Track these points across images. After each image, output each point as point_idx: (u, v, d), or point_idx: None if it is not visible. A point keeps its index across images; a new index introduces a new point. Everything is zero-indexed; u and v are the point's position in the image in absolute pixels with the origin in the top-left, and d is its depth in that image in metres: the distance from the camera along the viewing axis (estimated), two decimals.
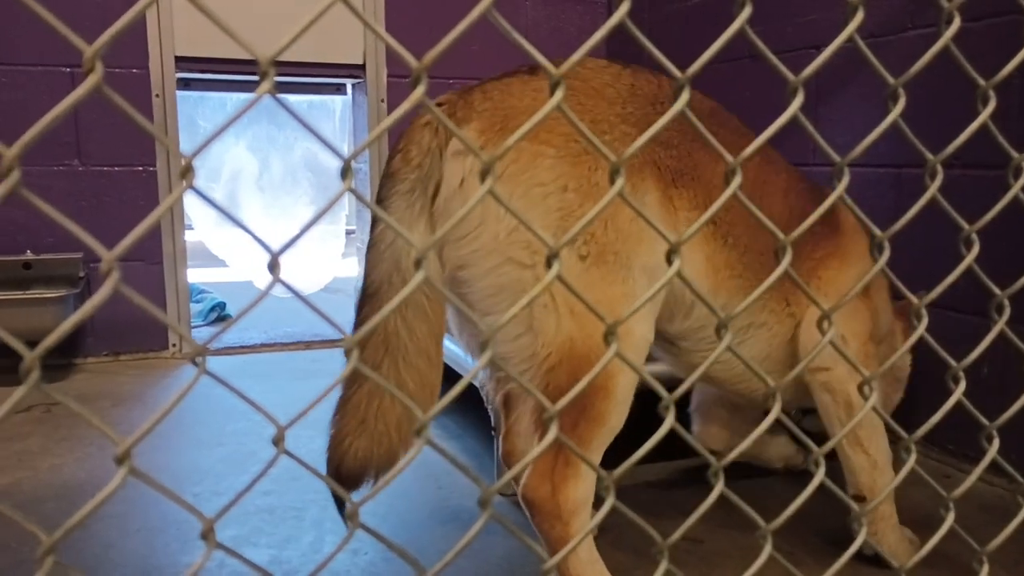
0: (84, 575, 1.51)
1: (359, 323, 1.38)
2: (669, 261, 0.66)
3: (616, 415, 1.33)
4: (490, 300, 1.32)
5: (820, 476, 0.82)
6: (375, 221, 1.42)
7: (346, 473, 1.36)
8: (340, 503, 1.31)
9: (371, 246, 1.38)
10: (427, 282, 1.20)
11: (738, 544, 1.60)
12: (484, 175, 0.54)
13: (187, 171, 0.45)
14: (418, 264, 0.63)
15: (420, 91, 0.51)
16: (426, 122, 1.37)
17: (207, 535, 0.52)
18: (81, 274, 2.92)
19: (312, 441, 2.23)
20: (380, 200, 1.38)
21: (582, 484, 1.32)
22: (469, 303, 1.33)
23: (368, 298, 1.37)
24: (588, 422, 1.31)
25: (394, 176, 1.36)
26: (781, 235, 0.74)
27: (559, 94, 0.58)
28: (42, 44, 2.85)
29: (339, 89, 3.69)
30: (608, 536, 1.65)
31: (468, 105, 1.36)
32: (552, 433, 0.64)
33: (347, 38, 3.22)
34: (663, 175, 1.38)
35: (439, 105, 1.38)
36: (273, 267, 0.49)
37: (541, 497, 1.31)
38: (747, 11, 0.62)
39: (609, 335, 0.66)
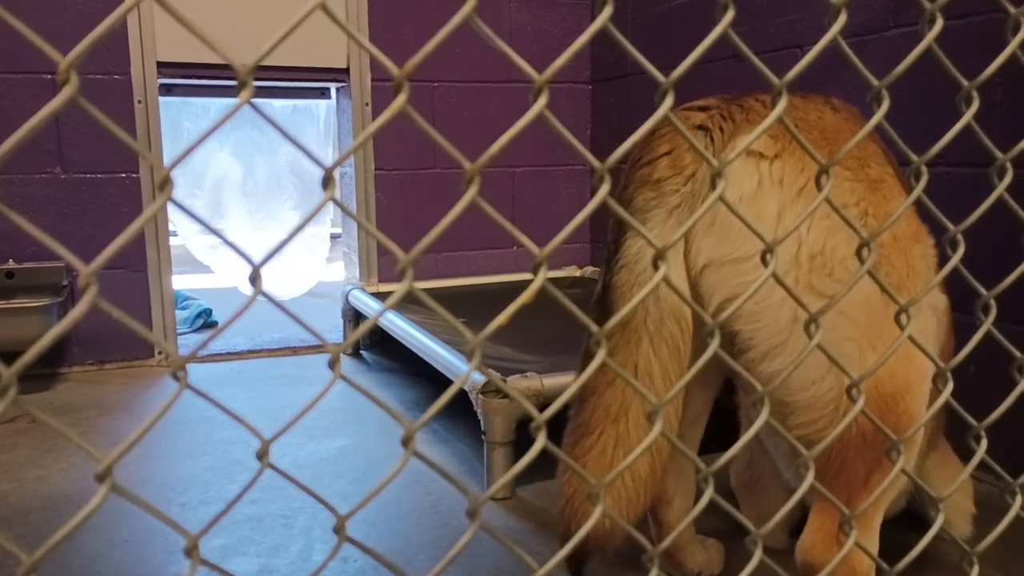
0: None
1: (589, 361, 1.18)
2: (655, 266, 0.66)
3: (911, 461, 1.17)
4: (776, 338, 1.11)
5: (810, 479, 0.82)
6: (621, 235, 1.17)
7: (592, 546, 1.16)
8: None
9: (621, 266, 1.16)
10: (684, 312, 1.08)
11: (730, 549, 1.60)
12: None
13: (165, 183, 0.45)
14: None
15: (402, 99, 0.50)
16: (700, 125, 1.18)
17: (191, 552, 0.51)
18: (64, 283, 2.90)
19: (300, 448, 2.23)
20: (634, 211, 1.15)
21: (872, 544, 1.18)
22: (743, 343, 1.12)
23: (616, 328, 1.14)
24: (883, 473, 1.12)
25: (660, 185, 1.15)
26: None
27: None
28: (22, 51, 2.83)
29: (323, 93, 3.68)
30: None
31: (747, 110, 1.19)
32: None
33: (330, 42, 3.21)
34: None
35: (704, 110, 1.21)
36: (255, 279, 0.48)
37: (827, 562, 1.13)
38: (730, 15, 0.62)
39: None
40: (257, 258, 0.51)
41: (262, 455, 0.51)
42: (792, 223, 1.11)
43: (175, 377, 0.48)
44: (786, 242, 1.09)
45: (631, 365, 1.14)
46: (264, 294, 0.49)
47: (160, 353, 3.14)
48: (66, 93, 0.43)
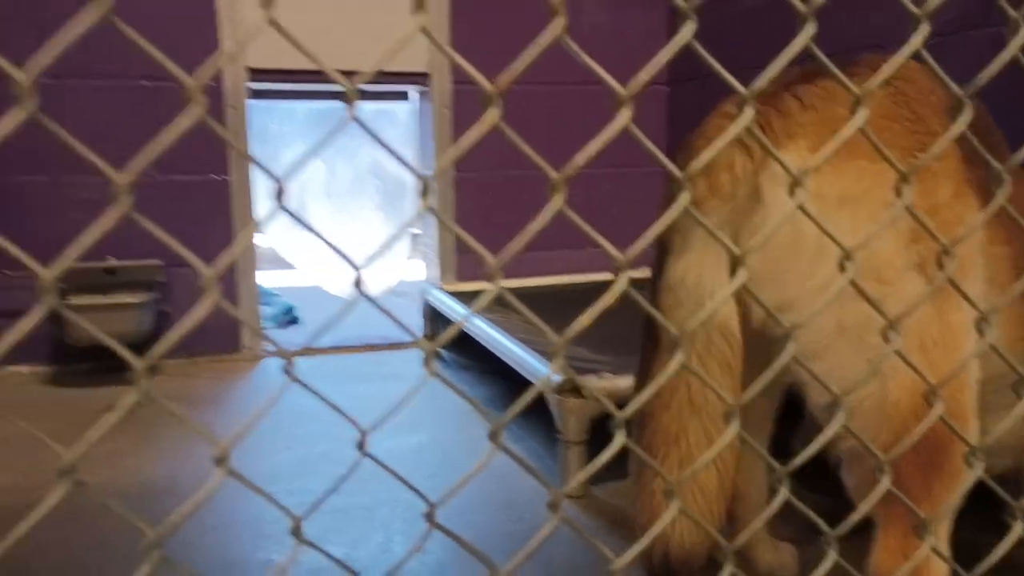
0: (191, 570, 1.58)
1: (646, 381, 1.15)
2: (733, 272, 0.68)
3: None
4: (825, 343, 1.10)
5: (886, 484, 0.82)
6: (663, 257, 1.17)
7: (676, 566, 1.14)
8: None
9: (665, 287, 1.16)
10: (731, 328, 1.10)
11: (802, 550, 1.60)
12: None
13: (281, 193, 0.49)
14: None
15: (495, 114, 0.53)
16: (738, 140, 1.12)
17: (296, 531, 0.55)
18: (160, 279, 3.03)
19: (379, 444, 2.30)
20: (675, 231, 1.15)
21: (943, 553, 1.12)
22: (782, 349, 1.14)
23: (663, 351, 1.15)
24: (943, 479, 1.08)
25: (699, 206, 1.13)
26: None
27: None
28: (117, 58, 2.96)
29: (403, 96, 3.76)
30: None
31: (785, 116, 1.13)
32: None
33: (411, 46, 3.26)
34: (982, 198, 1.14)
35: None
36: (358, 283, 0.52)
37: None
38: (810, 29, 0.63)
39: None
40: (358, 263, 0.55)
41: (361, 444, 0.55)
42: (837, 234, 1.09)
43: (286, 372, 0.52)
44: (830, 253, 1.05)
45: (684, 385, 1.14)
46: (368, 297, 0.53)
47: (246, 347, 3.26)
48: (195, 113, 0.47)
